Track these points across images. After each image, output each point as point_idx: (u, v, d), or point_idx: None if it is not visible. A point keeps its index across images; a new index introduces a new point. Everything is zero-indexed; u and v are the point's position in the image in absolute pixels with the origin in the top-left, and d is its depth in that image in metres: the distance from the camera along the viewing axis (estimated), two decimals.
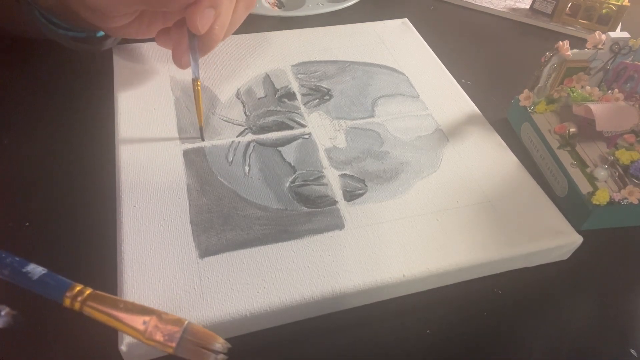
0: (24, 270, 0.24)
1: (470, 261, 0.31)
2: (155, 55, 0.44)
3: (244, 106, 0.41)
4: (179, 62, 0.34)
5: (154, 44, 0.45)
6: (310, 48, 0.48)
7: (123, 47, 0.44)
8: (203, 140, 0.37)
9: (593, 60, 0.42)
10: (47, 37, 0.39)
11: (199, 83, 0.35)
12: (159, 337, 0.23)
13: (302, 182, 0.35)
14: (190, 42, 0.34)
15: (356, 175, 0.36)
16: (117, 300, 0.24)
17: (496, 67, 0.52)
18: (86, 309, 0.23)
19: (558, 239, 0.33)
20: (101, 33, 0.41)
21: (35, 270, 0.24)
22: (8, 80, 0.44)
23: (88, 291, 0.24)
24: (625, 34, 0.40)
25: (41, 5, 0.37)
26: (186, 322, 0.24)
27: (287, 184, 0.35)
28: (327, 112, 0.41)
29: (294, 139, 0.39)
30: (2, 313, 0.24)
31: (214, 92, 0.42)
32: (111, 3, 0.32)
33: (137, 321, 0.23)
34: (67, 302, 0.23)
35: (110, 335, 0.26)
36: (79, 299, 0.23)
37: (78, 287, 0.24)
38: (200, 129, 0.37)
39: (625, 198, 0.35)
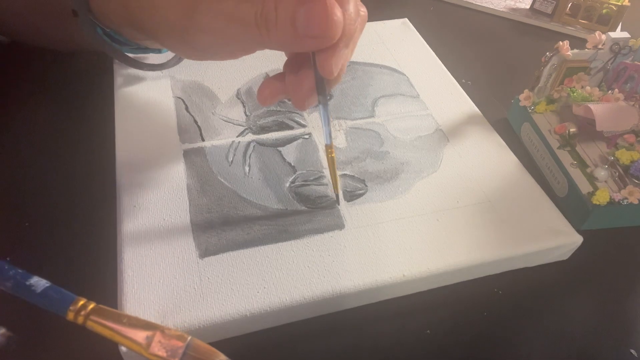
0: (28, 283, 0.23)
1: (470, 261, 0.31)
2: (158, 57, 0.44)
3: (244, 106, 0.41)
4: (304, 105, 0.29)
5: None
6: None
7: None
8: (339, 205, 0.34)
9: (593, 60, 0.42)
10: (105, 53, 0.35)
11: (332, 150, 0.31)
12: (161, 352, 0.23)
13: (302, 182, 0.35)
14: (318, 88, 0.28)
15: (356, 175, 0.36)
16: (121, 315, 0.24)
17: (496, 67, 0.52)
18: (89, 323, 0.23)
19: (558, 239, 0.33)
20: (164, 50, 0.38)
21: (39, 283, 0.24)
22: (7, 81, 0.44)
23: (91, 305, 0.24)
24: (625, 34, 0.40)
25: (106, 24, 0.32)
26: (189, 338, 0.24)
27: (287, 184, 0.35)
28: None
29: (294, 139, 0.39)
30: None
31: (214, 92, 0.42)
32: (228, 49, 0.28)
33: (140, 336, 0.23)
34: (70, 316, 0.23)
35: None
36: (83, 313, 0.23)
37: (82, 301, 0.24)
38: (337, 196, 0.34)
39: (625, 198, 0.35)
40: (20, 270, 0.24)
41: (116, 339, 0.23)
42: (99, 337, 0.24)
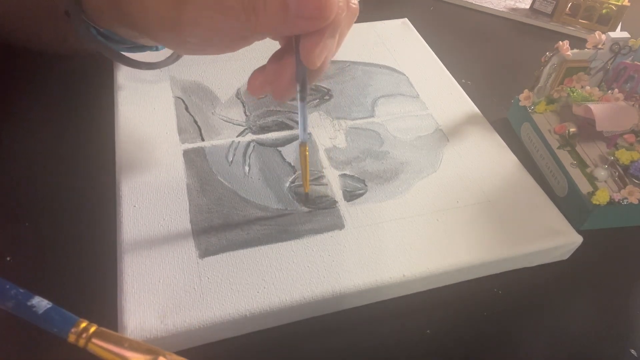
0: (29, 303, 0.23)
1: (470, 261, 0.31)
2: (156, 55, 0.44)
3: (244, 106, 0.41)
4: (282, 96, 0.28)
5: None
6: None
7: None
8: (306, 206, 0.34)
9: (593, 60, 0.42)
10: (101, 54, 0.34)
11: (307, 148, 0.30)
12: None
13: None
14: (298, 78, 0.27)
15: (356, 175, 0.36)
16: (123, 339, 0.24)
17: (496, 67, 0.52)
18: (91, 345, 0.23)
19: (558, 239, 0.33)
20: (161, 48, 0.37)
21: (41, 303, 0.23)
22: (8, 82, 0.44)
23: (93, 328, 0.24)
24: (625, 34, 0.40)
25: (99, 23, 0.31)
26: None
27: (287, 184, 0.35)
28: (327, 112, 0.41)
29: (294, 139, 0.39)
30: None
31: (214, 92, 0.42)
32: (221, 41, 0.27)
33: None
34: (71, 338, 0.23)
35: None
36: (84, 335, 0.23)
37: (83, 324, 0.23)
38: (306, 195, 0.34)
39: (625, 198, 0.35)
40: (21, 290, 0.23)
41: None
42: None
